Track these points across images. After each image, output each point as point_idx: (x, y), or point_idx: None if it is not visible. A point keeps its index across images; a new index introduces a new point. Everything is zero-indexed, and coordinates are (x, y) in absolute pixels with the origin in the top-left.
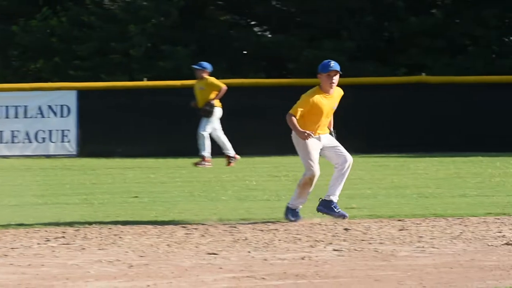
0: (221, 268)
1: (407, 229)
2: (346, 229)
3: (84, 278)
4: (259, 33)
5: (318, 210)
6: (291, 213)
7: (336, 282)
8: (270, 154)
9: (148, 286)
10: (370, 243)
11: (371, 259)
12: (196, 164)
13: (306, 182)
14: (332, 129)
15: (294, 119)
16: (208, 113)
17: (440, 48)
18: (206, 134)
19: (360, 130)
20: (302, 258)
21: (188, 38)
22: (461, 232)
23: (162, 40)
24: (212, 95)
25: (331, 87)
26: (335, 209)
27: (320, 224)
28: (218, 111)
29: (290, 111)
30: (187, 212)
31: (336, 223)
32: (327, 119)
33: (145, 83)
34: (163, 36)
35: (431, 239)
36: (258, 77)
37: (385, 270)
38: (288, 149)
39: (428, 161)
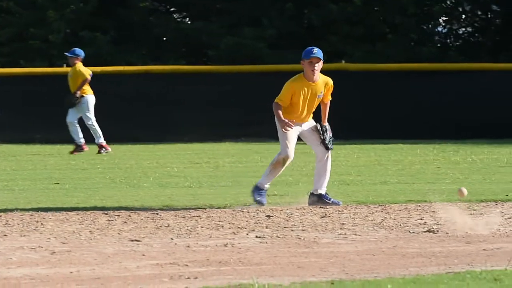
0: (144, 255)
1: (329, 216)
2: (268, 216)
3: (6, 265)
4: (179, 19)
5: (310, 204)
6: (257, 192)
7: (259, 269)
8: (191, 141)
9: (71, 273)
10: (292, 230)
11: (294, 246)
12: (71, 152)
13: (279, 161)
14: (325, 124)
15: (279, 108)
16: (71, 103)
17: (359, 35)
18: (73, 121)
19: None
20: (225, 245)
21: (108, 25)
22: (383, 219)
23: (82, 26)
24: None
25: (313, 74)
26: (328, 200)
27: (243, 211)
28: (90, 99)
29: (277, 100)
30: (109, 199)
31: (258, 210)
32: (311, 108)
33: (64, 69)
34: (82, 22)
35: (353, 226)
36: (178, 64)
37: (307, 257)
38: (209, 136)
39: (349, 149)
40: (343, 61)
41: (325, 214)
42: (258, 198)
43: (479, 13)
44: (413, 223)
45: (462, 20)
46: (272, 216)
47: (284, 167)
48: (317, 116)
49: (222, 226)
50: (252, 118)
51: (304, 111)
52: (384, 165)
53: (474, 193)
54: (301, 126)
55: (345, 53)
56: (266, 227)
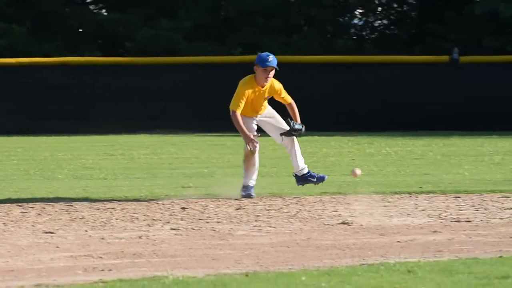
0: (58, 247)
1: (244, 208)
2: (183, 208)
3: None
4: (95, 11)
5: (298, 185)
6: (244, 189)
7: (173, 261)
8: (106, 133)
9: None
10: (207, 222)
11: (209, 238)
12: None
13: (248, 154)
14: (297, 123)
15: (238, 116)
16: None
17: (275, 27)
18: None
19: (197, 109)
20: (140, 237)
21: (23, 15)
22: (297, 211)
23: None
24: None
25: (265, 81)
26: (312, 178)
27: (158, 203)
28: None
29: (232, 107)
30: (23, 191)
31: (173, 201)
32: (259, 107)
33: None
34: None
35: (268, 218)
36: (95, 55)
37: (222, 249)
38: (124, 128)
39: (264, 140)
40: (259, 53)
41: (240, 206)
42: (245, 193)
43: (395, 5)
44: (327, 215)
45: (378, 12)
46: (187, 208)
47: (257, 161)
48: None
49: (137, 218)
50: (167, 110)
51: (254, 109)
52: None
53: (389, 185)
54: (256, 118)
55: (261, 45)
56: (181, 219)
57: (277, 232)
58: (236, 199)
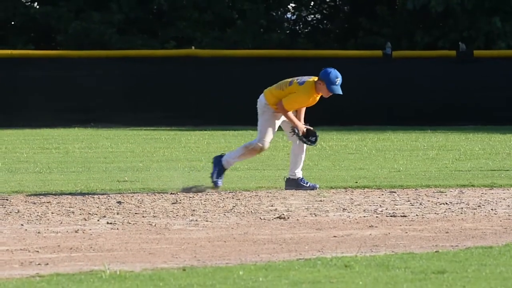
0: None
1: (180, 203)
2: (119, 202)
3: None
4: (27, 3)
5: (287, 189)
6: (217, 172)
7: (110, 255)
8: (40, 126)
9: None
10: (144, 217)
11: (145, 232)
12: None
13: (255, 149)
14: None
15: (291, 114)
16: None
17: (208, 21)
18: None
19: (131, 103)
20: (76, 231)
21: None
22: (234, 206)
23: None
24: None
25: (325, 96)
26: (305, 184)
27: (93, 197)
28: None
29: (285, 106)
30: None
31: (109, 196)
32: (300, 111)
33: None
34: None
35: (204, 212)
36: (27, 48)
37: (159, 243)
38: (58, 121)
39: (199, 135)
40: (193, 47)
41: (176, 201)
42: (215, 180)
43: (328, 0)
44: (264, 210)
45: (311, 7)
46: (123, 203)
47: (257, 154)
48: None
49: (73, 212)
50: (101, 104)
51: (300, 114)
52: None
53: (324, 180)
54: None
55: (194, 39)
56: (117, 213)
57: (213, 227)
58: (172, 193)
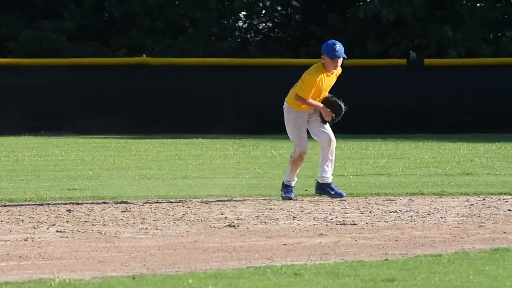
0: None
1: (130, 211)
2: (69, 211)
3: None
4: None
5: (316, 192)
6: (285, 189)
7: (59, 264)
8: None
9: None
10: (93, 225)
11: (95, 240)
12: None
13: (297, 158)
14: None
15: (309, 100)
16: None
17: (160, 29)
18: None
19: (81, 111)
20: (25, 240)
21: None
22: (184, 214)
23: None
24: None
25: (335, 69)
26: (331, 191)
27: (43, 206)
28: None
29: (301, 95)
30: None
31: (59, 204)
32: (327, 90)
33: None
34: None
35: (154, 220)
36: None
37: (109, 252)
38: (8, 129)
39: (150, 143)
40: (144, 55)
41: (126, 209)
42: (285, 195)
43: (279, 8)
44: (214, 218)
45: (262, 15)
46: (73, 211)
47: (303, 161)
48: None
49: (22, 220)
50: (51, 112)
51: (317, 96)
52: (185, 159)
53: (274, 188)
54: (308, 114)
55: (146, 47)
56: (67, 222)
57: (163, 235)
58: (122, 202)
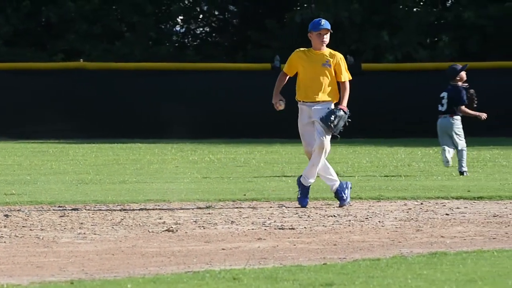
0: None
1: (68, 216)
2: (6, 216)
3: None
4: None
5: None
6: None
7: None
8: None
9: None
10: (31, 230)
11: (33, 245)
12: None
13: (306, 153)
14: (341, 106)
15: (281, 79)
16: None
17: (97, 34)
18: None
19: (18, 116)
20: None
21: None
22: (122, 219)
23: None
24: None
25: (322, 45)
26: (300, 194)
27: None
28: None
29: (283, 69)
30: None
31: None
32: (318, 81)
33: None
34: None
35: (92, 225)
36: None
37: (47, 257)
38: None
39: (87, 148)
40: (82, 60)
41: (64, 214)
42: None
43: (217, 13)
44: (152, 223)
45: (199, 20)
46: (10, 216)
47: (323, 158)
48: None
49: None
50: None
51: (312, 85)
52: (123, 164)
53: (212, 193)
54: (310, 110)
55: (83, 51)
56: (4, 227)
57: (102, 240)
58: (61, 206)
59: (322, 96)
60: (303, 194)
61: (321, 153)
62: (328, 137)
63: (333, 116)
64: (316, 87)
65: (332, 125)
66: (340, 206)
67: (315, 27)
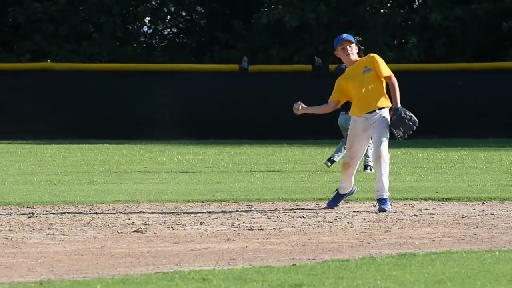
0: None
1: (36, 216)
2: None
3: None
4: None
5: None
6: (334, 197)
7: None
8: None
9: None
10: (0, 231)
11: (1, 246)
12: None
13: (344, 163)
14: (397, 106)
15: (327, 107)
16: None
17: (64, 34)
18: None
19: None
20: None
21: None
22: (91, 220)
23: None
24: None
25: (349, 57)
26: (384, 205)
27: None
28: None
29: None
30: None
31: None
32: (366, 91)
33: None
34: None
35: (61, 226)
36: None
37: (15, 258)
38: None
39: (55, 148)
40: (49, 60)
41: (33, 214)
42: (331, 204)
43: (184, 14)
44: (121, 223)
45: (167, 21)
46: None
47: (350, 171)
48: None
49: None
50: None
51: (362, 97)
52: (91, 165)
53: (181, 194)
54: (366, 121)
55: (50, 52)
56: None
57: (70, 240)
58: (28, 207)
59: (377, 104)
60: (385, 203)
61: (382, 162)
62: (386, 145)
63: (401, 123)
64: (368, 97)
65: (406, 134)
66: (327, 206)
67: (336, 42)
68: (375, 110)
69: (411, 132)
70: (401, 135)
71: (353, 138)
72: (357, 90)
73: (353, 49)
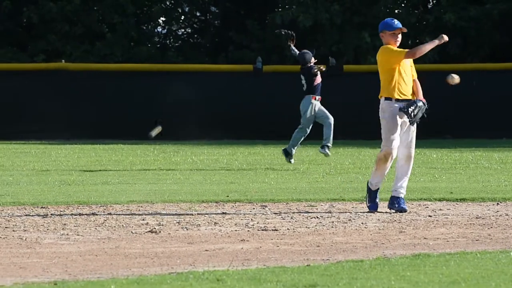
0: None
1: (51, 217)
2: None
3: None
4: None
5: (389, 207)
6: (368, 196)
7: None
8: None
9: None
10: (14, 231)
11: (16, 246)
12: None
13: (380, 158)
14: (420, 100)
15: (414, 49)
16: None
17: (79, 34)
18: None
19: (0, 117)
20: None
21: None
22: (105, 220)
23: None
24: None
25: (395, 45)
26: (395, 206)
27: None
28: None
29: (403, 53)
30: None
31: None
32: (409, 78)
33: None
34: None
35: (75, 226)
36: None
37: (30, 258)
38: None
39: (70, 149)
40: (63, 61)
41: (47, 215)
42: (368, 204)
43: (198, 14)
44: (135, 224)
45: (181, 21)
46: None
47: (388, 166)
48: None
49: None
50: None
51: (405, 83)
52: (105, 165)
53: (195, 194)
54: (404, 113)
55: (64, 52)
56: None
57: (85, 241)
58: (42, 207)
59: (412, 94)
60: (404, 202)
61: (412, 162)
62: (397, 144)
63: (413, 106)
64: (409, 85)
65: (412, 114)
66: (370, 211)
67: (389, 26)
68: (410, 99)
69: (411, 115)
70: (408, 111)
71: (396, 127)
72: (400, 73)
73: (400, 38)
